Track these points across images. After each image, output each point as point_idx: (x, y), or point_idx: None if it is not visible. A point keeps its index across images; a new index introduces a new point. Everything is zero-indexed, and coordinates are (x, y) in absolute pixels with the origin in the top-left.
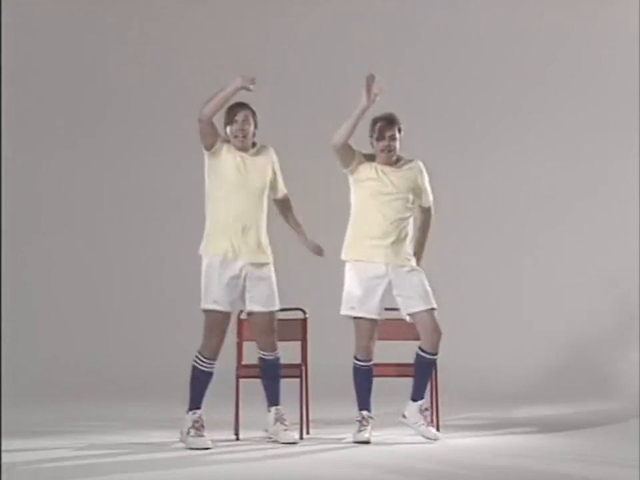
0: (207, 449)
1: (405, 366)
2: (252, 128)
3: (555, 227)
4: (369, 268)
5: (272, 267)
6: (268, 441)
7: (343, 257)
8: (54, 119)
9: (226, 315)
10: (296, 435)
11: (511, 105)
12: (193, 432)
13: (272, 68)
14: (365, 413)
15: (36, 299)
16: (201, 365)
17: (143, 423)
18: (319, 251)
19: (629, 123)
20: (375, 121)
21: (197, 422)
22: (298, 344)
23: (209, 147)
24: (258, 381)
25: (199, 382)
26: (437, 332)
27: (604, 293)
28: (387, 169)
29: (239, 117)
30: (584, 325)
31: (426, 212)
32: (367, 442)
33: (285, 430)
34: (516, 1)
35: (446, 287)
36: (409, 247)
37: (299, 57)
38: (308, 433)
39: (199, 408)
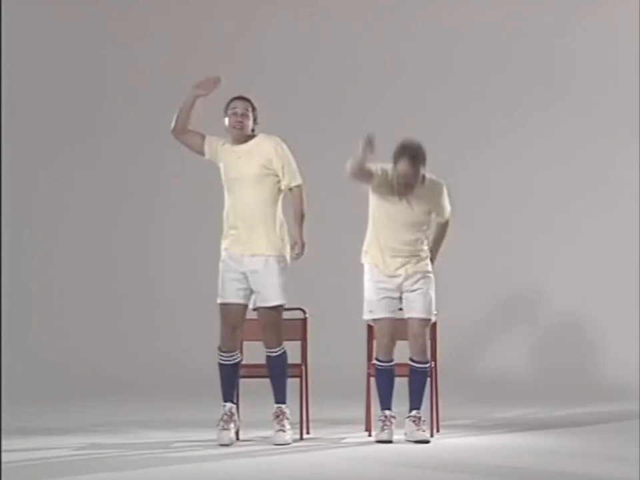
0: (226, 445)
1: (405, 366)
2: (250, 122)
3: (555, 227)
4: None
5: (278, 260)
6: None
7: None
8: (54, 119)
9: (232, 307)
10: (287, 437)
11: (511, 105)
12: (221, 424)
13: (272, 68)
14: (387, 412)
15: (35, 299)
16: (219, 359)
17: (143, 422)
18: (297, 250)
19: (629, 122)
20: (395, 154)
21: (226, 414)
22: (298, 344)
23: (202, 154)
24: (258, 380)
25: (221, 375)
26: (419, 340)
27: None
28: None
29: (239, 109)
30: (584, 324)
31: (444, 224)
32: (388, 441)
33: (278, 431)
34: (516, 0)
35: (446, 287)
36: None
37: (298, 57)
38: (308, 432)
39: (229, 401)
